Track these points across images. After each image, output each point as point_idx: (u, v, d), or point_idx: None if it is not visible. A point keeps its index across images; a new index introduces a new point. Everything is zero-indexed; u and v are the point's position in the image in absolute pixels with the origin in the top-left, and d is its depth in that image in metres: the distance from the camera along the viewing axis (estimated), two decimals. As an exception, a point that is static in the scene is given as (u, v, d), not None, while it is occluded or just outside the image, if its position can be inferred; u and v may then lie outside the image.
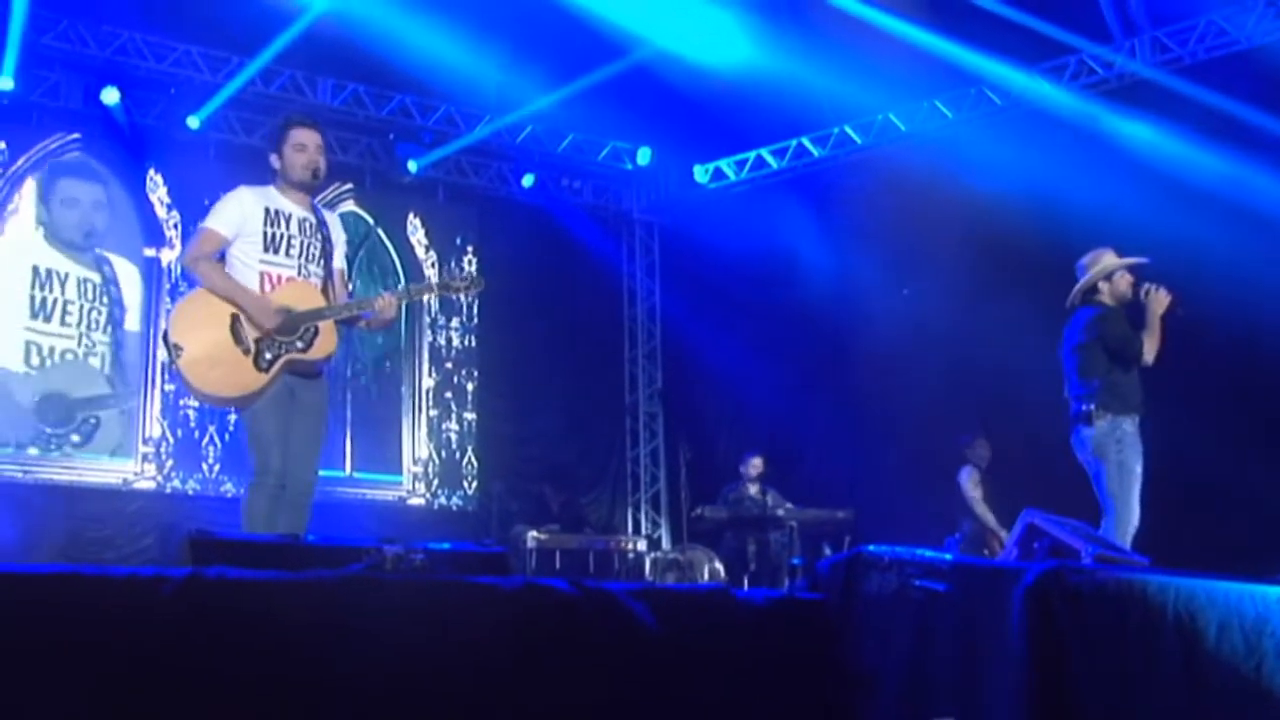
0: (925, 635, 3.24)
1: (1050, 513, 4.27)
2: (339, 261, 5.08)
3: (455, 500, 11.19)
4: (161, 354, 8.83)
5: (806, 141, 11.03)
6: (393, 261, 11.30)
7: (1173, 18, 9.08)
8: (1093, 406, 6.15)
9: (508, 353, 11.57)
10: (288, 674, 2.59)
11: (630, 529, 11.73)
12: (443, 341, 11.45)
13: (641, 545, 10.04)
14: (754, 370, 10.96)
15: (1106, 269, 6.39)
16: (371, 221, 11.21)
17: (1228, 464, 7.54)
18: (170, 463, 9.83)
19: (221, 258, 4.82)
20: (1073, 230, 7.44)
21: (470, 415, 11.43)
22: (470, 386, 11.48)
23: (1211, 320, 6.86)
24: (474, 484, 11.27)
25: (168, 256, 10.08)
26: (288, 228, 4.86)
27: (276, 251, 4.82)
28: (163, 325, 8.92)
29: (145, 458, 9.77)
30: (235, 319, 4.69)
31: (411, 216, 11.43)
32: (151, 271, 10.06)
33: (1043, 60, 9.53)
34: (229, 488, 9.61)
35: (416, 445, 11.12)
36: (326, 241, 4.96)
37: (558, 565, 9.18)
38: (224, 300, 4.71)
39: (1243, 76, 8.52)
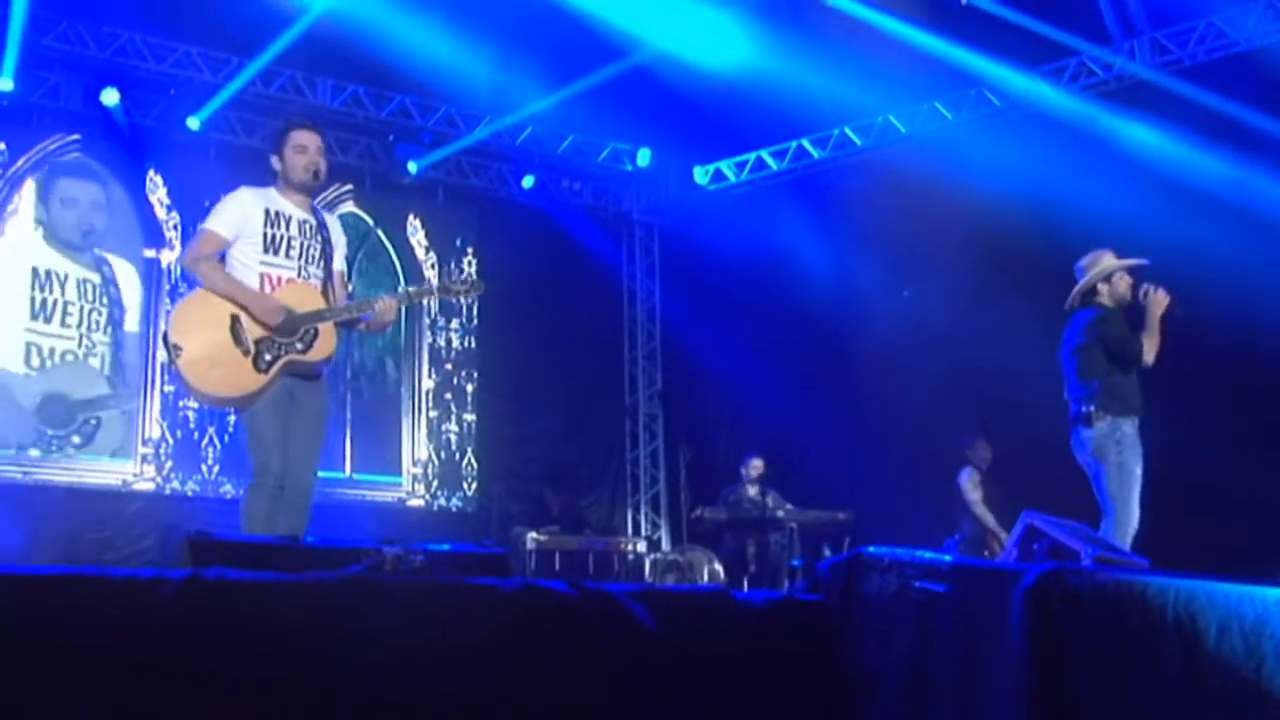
0: (925, 636, 3.23)
1: (1050, 514, 4.27)
2: (339, 263, 5.09)
3: (455, 501, 11.18)
4: (161, 355, 8.85)
5: (806, 143, 11.02)
6: (392, 262, 11.29)
7: (1172, 19, 9.08)
8: (1092, 408, 6.16)
9: (507, 354, 11.56)
10: (287, 675, 2.59)
11: (630, 530, 11.71)
12: (442, 343, 11.44)
13: (641, 546, 10.02)
14: (754, 371, 10.94)
15: (1106, 270, 6.40)
16: (371, 222, 11.21)
17: (1228, 465, 7.54)
18: (170, 464, 9.82)
19: (222, 259, 4.82)
20: (1072, 232, 7.45)
21: (470, 416, 11.42)
22: (470, 388, 11.47)
23: (1211, 322, 6.87)
24: (474, 485, 11.25)
25: (167, 257, 10.07)
26: (288, 229, 4.87)
27: (276, 253, 4.82)
28: (162, 326, 8.91)
29: (145, 459, 9.76)
30: (235, 320, 4.69)
31: (411, 217, 11.42)
32: (151, 272, 10.05)
33: (1042, 62, 9.53)
34: (228, 489, 9.60)
35: (416, 446, 11.11)
36: (326, 243, 4.97)
37: (557, 566, 9.17)
38: (225, 300, 4.71)
39: (1242, 78, 8.52)
